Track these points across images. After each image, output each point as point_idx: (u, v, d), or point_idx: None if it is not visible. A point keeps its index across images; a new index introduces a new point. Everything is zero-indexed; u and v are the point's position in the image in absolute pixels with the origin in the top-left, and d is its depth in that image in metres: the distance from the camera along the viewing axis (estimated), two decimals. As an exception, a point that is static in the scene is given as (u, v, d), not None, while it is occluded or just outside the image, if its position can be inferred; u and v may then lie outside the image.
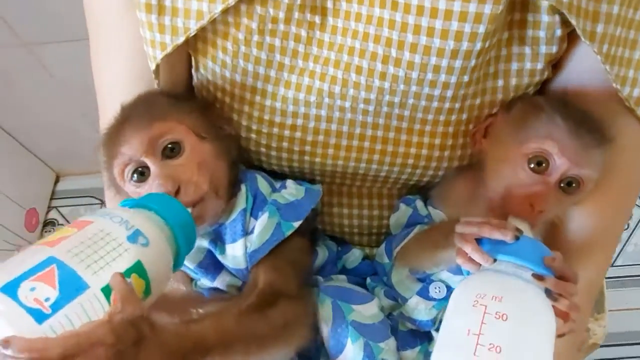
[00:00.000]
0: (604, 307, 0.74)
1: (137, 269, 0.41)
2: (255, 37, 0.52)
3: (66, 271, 0.38)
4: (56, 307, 0.36)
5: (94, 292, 0.38)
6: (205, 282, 0.59)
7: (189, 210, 0.49)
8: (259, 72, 0.55)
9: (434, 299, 0.56)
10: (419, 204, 0.62)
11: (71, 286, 0.37)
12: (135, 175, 0.52)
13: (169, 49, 0.52)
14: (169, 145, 0.52)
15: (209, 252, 0.57)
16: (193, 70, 0.58)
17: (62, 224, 1.55)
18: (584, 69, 0.54)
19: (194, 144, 0.53)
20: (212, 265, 0.57)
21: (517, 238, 0.43)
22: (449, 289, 0.56)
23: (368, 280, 0.64)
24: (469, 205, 0.56)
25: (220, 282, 0.58)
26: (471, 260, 0.44)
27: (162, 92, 0.57)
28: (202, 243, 0.56)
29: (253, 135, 0.59)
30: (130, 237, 0.42)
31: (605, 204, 0.55)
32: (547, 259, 0.42)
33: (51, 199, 1.58)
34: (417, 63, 0.50)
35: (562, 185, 0.50)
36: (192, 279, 0.61)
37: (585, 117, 0.50)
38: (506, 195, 0.51)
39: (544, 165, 0.49)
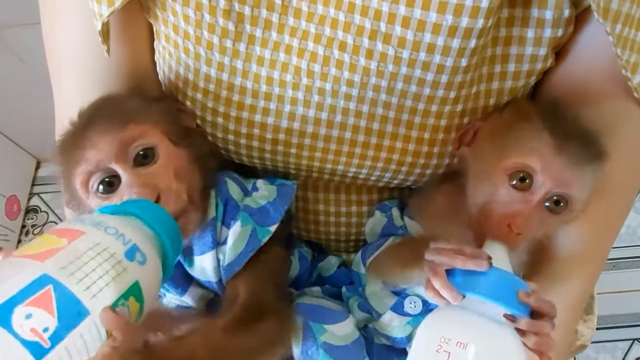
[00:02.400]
0: (593, 309, 0.72)
1: (135, 291, 0.36)
2: (222, 4, 0.46)
3: (64, 294, 0.32)
4: (56, 339, 0.31)
5: (94, 319, 0.33)
6: (172, 297, 0.55)
7: None
8: (227, 45, 0.48)
9: (409, 315, 0.53)
10: (395, 212, 0.58)
11: (71, 313, 0.32)
12: (101, 187, 0.46)
13: (117, 4, 0.45)
14: (141, 152, 0.46)
15: (178, 263, 0.53)
16: (155, 43, 0.53)
17: (44, 211, 1.52)
18: (589, 56, 0.49)
19: (169, 150, 0.48)
20: (182, 278, 0.53)
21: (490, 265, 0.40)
22: (425, 304, 0.53)
23: (344, 289, 0.61)
24: (447, 219, 0.52)
25: (190, 296, 0.54)
26: (440, 294, 0.40)
27: (131, 93, 0.52)
28: None
29: (220, 120, 0.53)
30: (128, 254, 0.37)
31: (601, 218, 0.51)
32: (522, 294, 0.39)
33: (32, 185, 1.55)
34: (409, 40, 0.44)
35: (547, 204, 0.46)
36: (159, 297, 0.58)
37: (577, 130, 0.46)
38: (484, 213, 0.47)
39: (527, 182, 0.45)
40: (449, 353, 0.36)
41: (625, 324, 1.33)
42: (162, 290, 0.55)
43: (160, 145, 0.48)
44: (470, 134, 0.52)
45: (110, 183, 0.46)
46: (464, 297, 0.40)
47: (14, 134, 1.46)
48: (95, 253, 0.35)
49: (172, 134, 0.49)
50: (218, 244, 0.51)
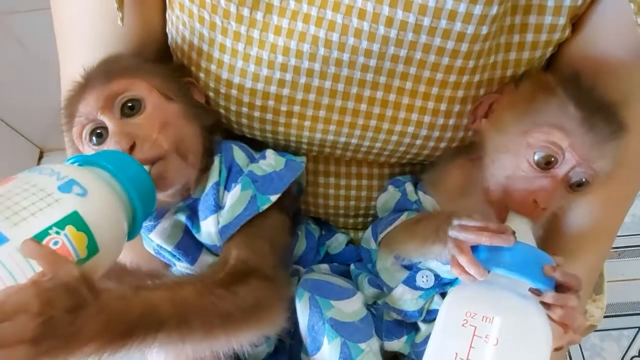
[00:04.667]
0: (603, 288, 0.71)
1: (74, 220, 0.36)
2: None
3: None
4: None
5: (15, 245, 0.33)
6: (183, 266, 0.54)
7: (147, 168, 0.45)
8: (243, 14, 0.48)
9: (421, 289, 0.53)
10: (409, 187, 0.57)
11: None
12: (93, 138, 0.48)
13: None
14: (129, 103, 0.47)
15: (187, 230, 0.53)
16: (168, 12, 0.52)
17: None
18: (606, 26, 0.48)
19: (158, 102, 0.49)
20: (192, 246, 0.53)
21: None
22: (437, 278, 0.53)
23: (352, 266, 0.60)
24: (463, 193, 0.51)
25: (201, 265, 0.53)
26: (467, 271, 0.40)
27: (131, 54, 0.52)
28: (180, 218, 0.52)
29: (234, 92, 0.52)
30: (63, 187, 0.36)
31: (614, 191, 0.50)
32: (547, 268, 0.39)
33: (34, 174, 1.54)
34: (431, 7, 0.44)
35: (569, 179, 0.45)
36: (169, 266, 0.57)
37: (601, 103, 0.45)
38: (506, 188, 0.46)
39: (553, 158, 0.44)
40: (475, 327, 0.36)
41: (631, 312, 1.32)
42: (172, 259, 0.54)
43: (149, 97, 0.49)
44: (485, 107, 0.51)
45: (100, 135, 0.48)
46: (489, 272, 0.39)
47: (17, 123, 1.45)
48: (21, 190, 0.36)
49: (166, 90, 0.50)
50: (219, 207, 0.50)
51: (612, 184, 0.49)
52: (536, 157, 0.45)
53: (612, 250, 1.36)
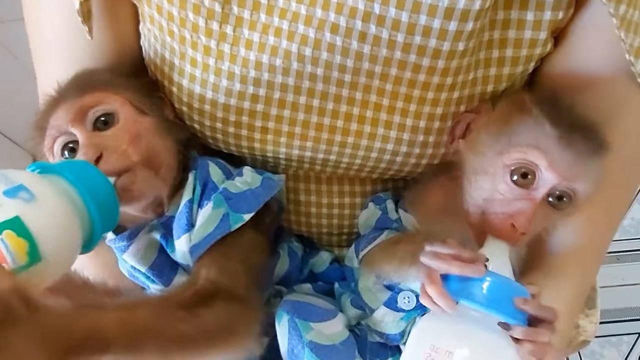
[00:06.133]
0: (596, 302, 0.69)
1: (14, 225, 0.35)
2: None
3: None
4: None
5: None
6: (157, 289, 0.53)
7: (112, 179, 0.44)
8: (213, 28, 0.47)
9: (403, 310, 0.51)
10: (390, 205, 0.56)
11: None
12: (65, 152, 0.47)
13: None
14: (102, 118, 0.47)
15: (162, 249, 0.52)
16: (140, 25, 0.51)
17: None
18: (589, 41, 0.47)
19: (130, 115, 0.48)
20: (167, 266, 0.52)
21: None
22: (419, 299, 0.51)
23: (336, 285, 0.59)
24: (443, 213, 0.50)
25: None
26: (435, 302, 0.39)
27: (104, 69, 0.51)
28: (154, 236, 0.51)
29: (207, 107, 0.51)
30: (9, 192, 0.36)
31: (599, 209, 0.49)
32: (519, 302, 0.38)
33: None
34: (404, 23, 0.43)
35: (550, 199, 0.44)
36: (143, 289, 0.56)
37: (579, 121, 0.44)
38: (484, 211, 0.45)
39: (529, 177, 0.43)
40: (437, 362, 0.35)
41: (631, 318, 1.31)
42: (147, 281, 0.53)
43: (121, 110, 0.48)
44: (462, 127, 0.50)
45: (73, 149, 0.47)
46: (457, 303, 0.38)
47: (9, 130, 1.45)
48: None
49: (139, 104, 0.49)
50: (193, 226, 0.49)
51: (597, 202, 0.47)
52: (513, 177, 0.43)
53: (611, 254, 1.35)
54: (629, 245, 1.35)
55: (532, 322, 0.38)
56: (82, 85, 0.48)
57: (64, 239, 0.38)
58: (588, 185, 0.44)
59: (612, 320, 1.29)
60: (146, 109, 0.50)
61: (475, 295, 0.38)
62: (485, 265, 0.39)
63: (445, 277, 0.40)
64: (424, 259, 0.40)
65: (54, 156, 0.48)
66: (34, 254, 0.35)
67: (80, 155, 0.45)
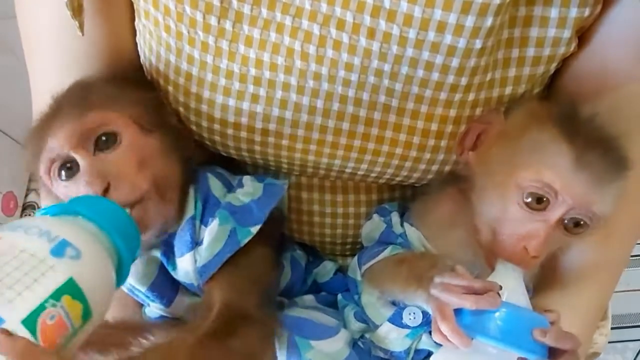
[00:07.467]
0: (607, 313, 0.68)
1: (70, 288, 0.33)
2: None
3: None
4: None
5: (13, 327, 0.30)
6: (157, 307, 0.52)
7: (127, 211, 0.42)
8: (211, 23, 0.45)
9: (408, 327, 0.50)
10: (395, 218, 0.54)
11: None
12: (62, 172, 0.45)
13: None
14: (103, 137, 0.45)
15: (162, 267, 0.50)
16: (136, 21, 0.49)
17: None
18: (615, 38, 0.45)
19: (135, 137, 0.46)
20: (167, 285, 0.50)
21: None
22: (425, 315, 0.49)
23: (340, 297, 0.57)
24: (452, 226, 0.48)
25: (177, 306, 0.51)
26: (449, 340, 0.37)
27: (106, 78, 0.49)
28: (154, 254, 0.49)
29: (204, 107, 0.49)
30: (55, 250, 0.33)
31: (618, 225, 0.46)
32: (537, 334, 0.36)
33: (30, 181, 1.53)
34: (417, 17, 0.40)
35: (566, 222, 0.42)
36: (141, 305, 0.54)
37: (598, 137, 0.41)
38: (495, 231, 0.43)
39: (544, 200, 0.41)
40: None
41: (636, 324, 1.29)
42: (146, 300, 0.52)
43: (125, 131, 0.46)
44: (472, 138, 0.48)
45: (70, 167, 0.45)
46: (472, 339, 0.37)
47: (11, 129, 1.44)
48: (10, 257, 0.32)
49: (143, 121, 0.47)
50: (196, 244, 0.48)
51: (616, 217, 0.45)
52: (526, 199, 0.41)
53: (617, 259, 1.33)
54: (635, 250, 1.33)
55: (553, 350, 0.37)
56: (81, 102, 0.46)
57: (106, 289, 0.37)
58: (607, 208, 0.42)
59: (617, 326, 1.28)
60: (151, 125, 0.48)
61: (491, 330, 0.36)
62: (499, 294, 0.37)
63: (457, 310, 0.38)
64: (434, 292, 0.39)
65: (51, 178, 0.46)
66: (87, 314, 0.34)
67: (83, 185, 0.44)
